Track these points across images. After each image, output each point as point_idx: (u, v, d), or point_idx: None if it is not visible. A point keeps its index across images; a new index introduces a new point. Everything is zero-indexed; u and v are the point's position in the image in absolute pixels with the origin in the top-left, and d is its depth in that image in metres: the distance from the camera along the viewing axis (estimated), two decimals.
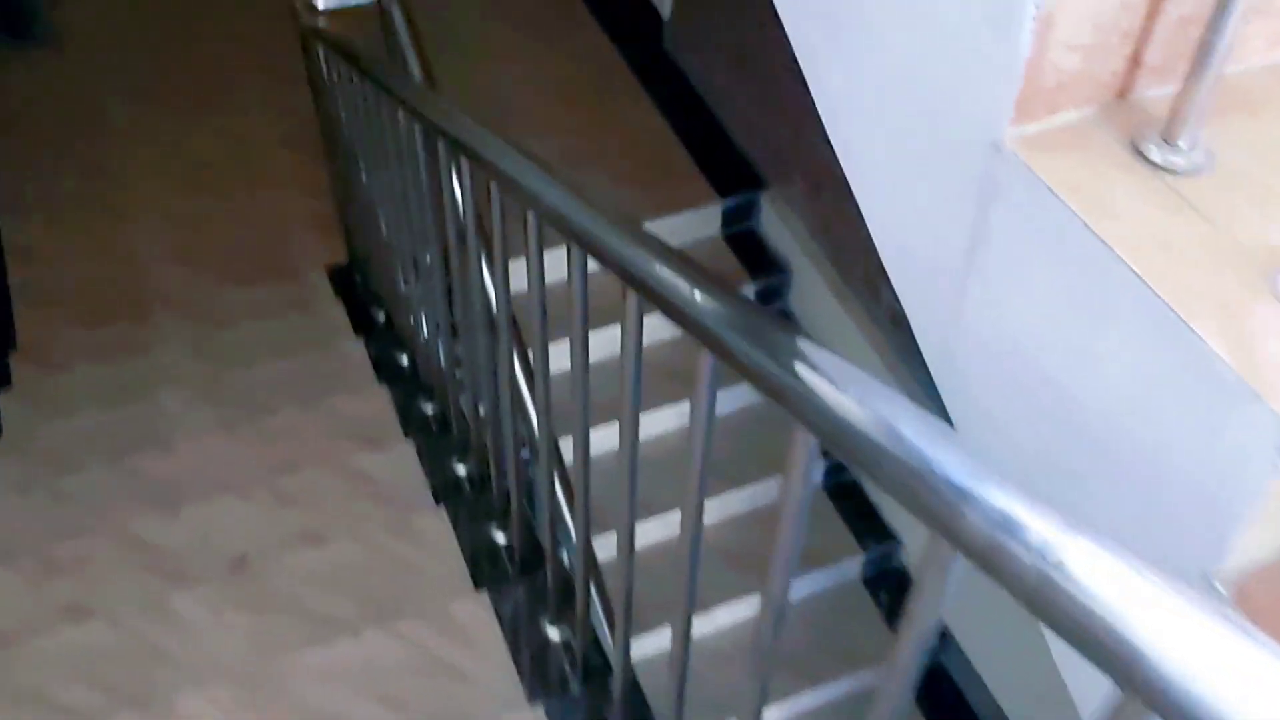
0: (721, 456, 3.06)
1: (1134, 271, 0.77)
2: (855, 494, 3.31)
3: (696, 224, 3.55)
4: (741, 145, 3.62)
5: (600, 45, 4.02)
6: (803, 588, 3.14)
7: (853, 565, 3.26)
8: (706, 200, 3.54)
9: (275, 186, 3.49)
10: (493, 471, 2.23)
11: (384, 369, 2.89)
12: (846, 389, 0.78)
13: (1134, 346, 0.79)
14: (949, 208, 0.95)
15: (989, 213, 0.91)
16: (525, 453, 2.14)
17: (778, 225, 3.50)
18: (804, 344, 0.84)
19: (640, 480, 1.42)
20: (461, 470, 2.57)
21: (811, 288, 3.42)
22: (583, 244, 1.29)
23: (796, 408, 0.83)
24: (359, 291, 3.17)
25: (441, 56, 3.65)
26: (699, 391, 1.07)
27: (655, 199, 3.52)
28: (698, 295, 1.03)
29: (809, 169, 3.27)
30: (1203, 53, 0.80)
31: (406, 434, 2.71)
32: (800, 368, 0.83)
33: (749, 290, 3.49)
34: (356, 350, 2.93)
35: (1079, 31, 0.83)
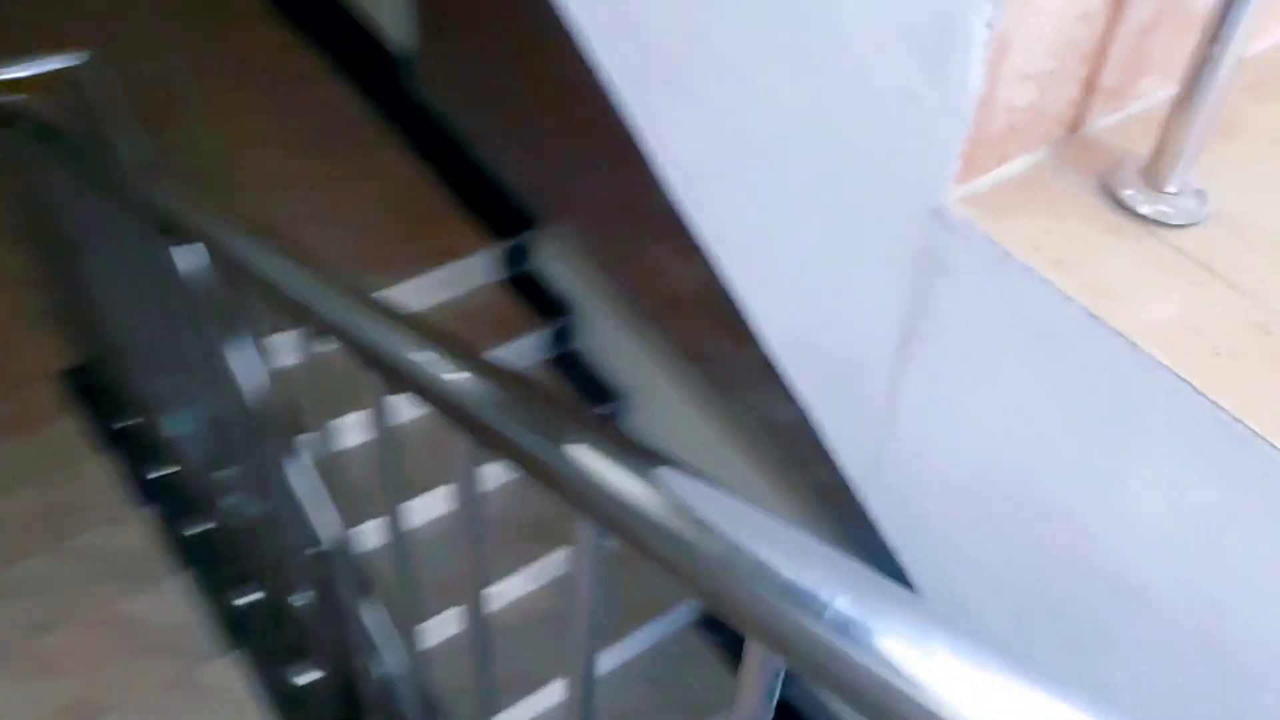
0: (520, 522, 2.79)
1: (1172, 371, 0.58)
2: None
3: (472, 271, 3.28)
4: (510, 184, 3.36)
5: (339, 94, 3.67)
6: (633, 646, 2.93)
7: (682, 612, 3.07)
8: (479, 245, 3.27)
9: None
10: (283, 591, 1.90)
11: (141, 488, 2.47)
12: (630, 470, 0.67)
13: (1181, 468, 0.59)
14: (872, 292, 0.74)
15: (931, 295, 0.70)
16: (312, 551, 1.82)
17: (560, 264, 3.27)
18: (573, 420, 0.75)
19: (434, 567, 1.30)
20: (250, 598, 2.21)
21: (604, 326, 3.20)
22: (301, 316, 1.16)
23: (571, 495, 0.72)
24: (100, 397, 2.73)
25: (162, 122, 3.25)
26: (461, 480, 0.95)
27: (422, 250, 3.22)
28: (446, 372, 0.91)
29: (589, 202, 3.05)
30: (1197, 69, 0.61)
31: (178, 566, 2.32)
32: (572, 449, 0.71)
33: (538, 336, 3.24)
34: (104, 469, 2.49)
35: (1035, 55, 0.63)
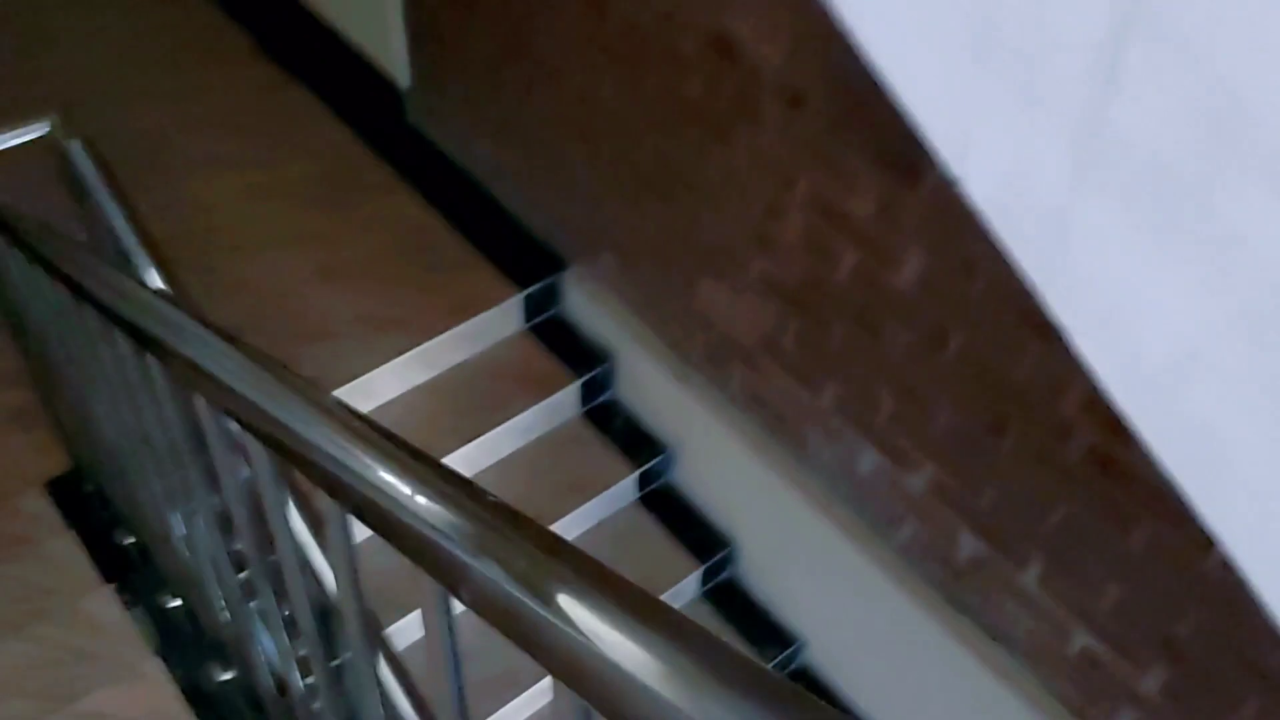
0: None
1: None
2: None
3: (495, 323, 3.01)
4: (529, 224, 3.09)
5: (337, 136, 3.41)
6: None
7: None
8: (501, 294, 3.00)
9: None
10: None
11: (158, 631, 2.15)
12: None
13: None
14: None
15: None
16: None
17: (589, 307, 3.00)
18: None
19: None
20: None
21: (644, 372, 2.93)
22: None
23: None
24: (97, 512, 2.44)
25: (150, 182, 2.98)
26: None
27: (440, 304, 2.95)
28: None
29: (612, 236, 2.78)
30: None
31: None
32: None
33: (572, 388, 2.97)
34: (112, 609, 2.17)
35: None
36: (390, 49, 3.29)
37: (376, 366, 2.84)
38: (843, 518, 2.51)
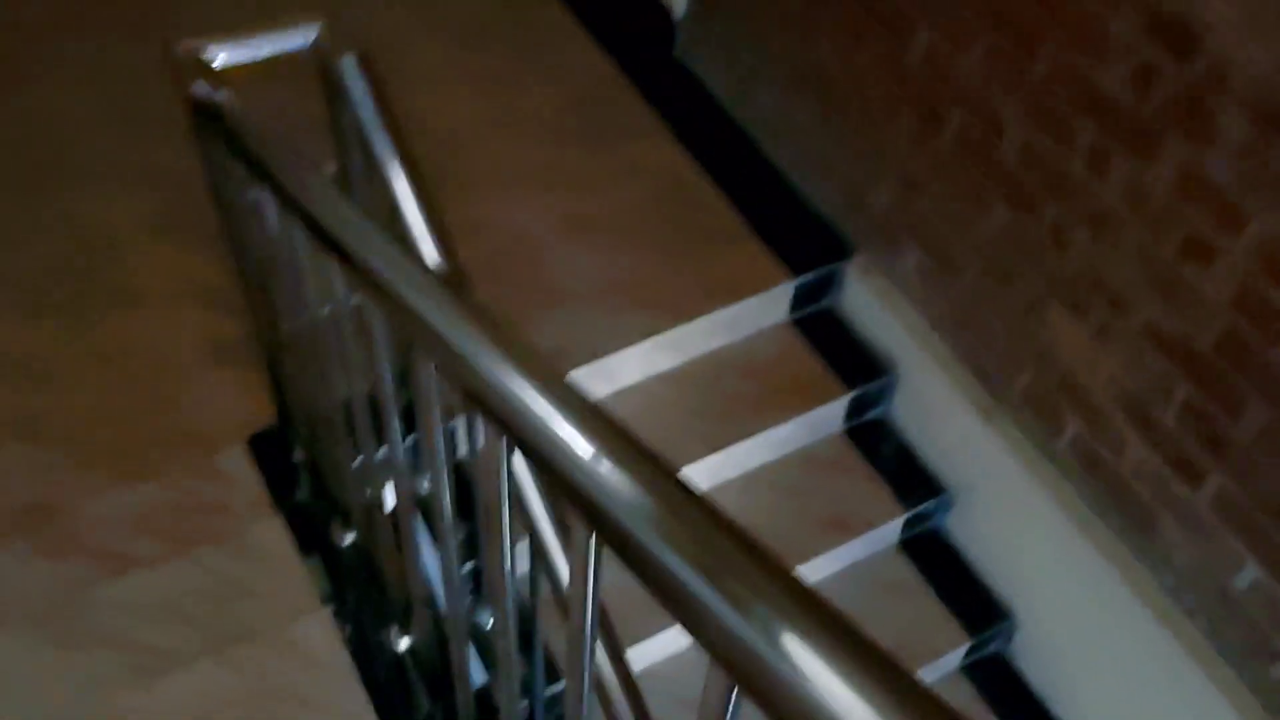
0: None
1: None
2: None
3: (759, 311, 2.56)
4: (812, 196, 2.62)
5: (594, 61, 2.96)
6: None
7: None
8: (770, 278, 2.54)
9: (153, 301, 2.37)
10: None
11: (360, 661, 1.77)
12: None
13: None
14: None
15: None
16: None
17: (873, 308, 2.53)
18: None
19: None
20: None
21: (931, 398, 2.46)
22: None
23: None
24: (310, 504, 2.07)
25: (388, 96, 2.59)
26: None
27: (696, 280, 2.51)
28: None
29: (926, 231, 2.30)
30: None
31: None
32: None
33: (840, 399, 2.51)
34: (319, 623, 1.79)
35: None
36: None
37: (619, 347, 2.42)
38: (1188, 634, 2.02)
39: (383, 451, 1.71)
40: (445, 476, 1.26)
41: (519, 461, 1.30)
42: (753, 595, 0.62)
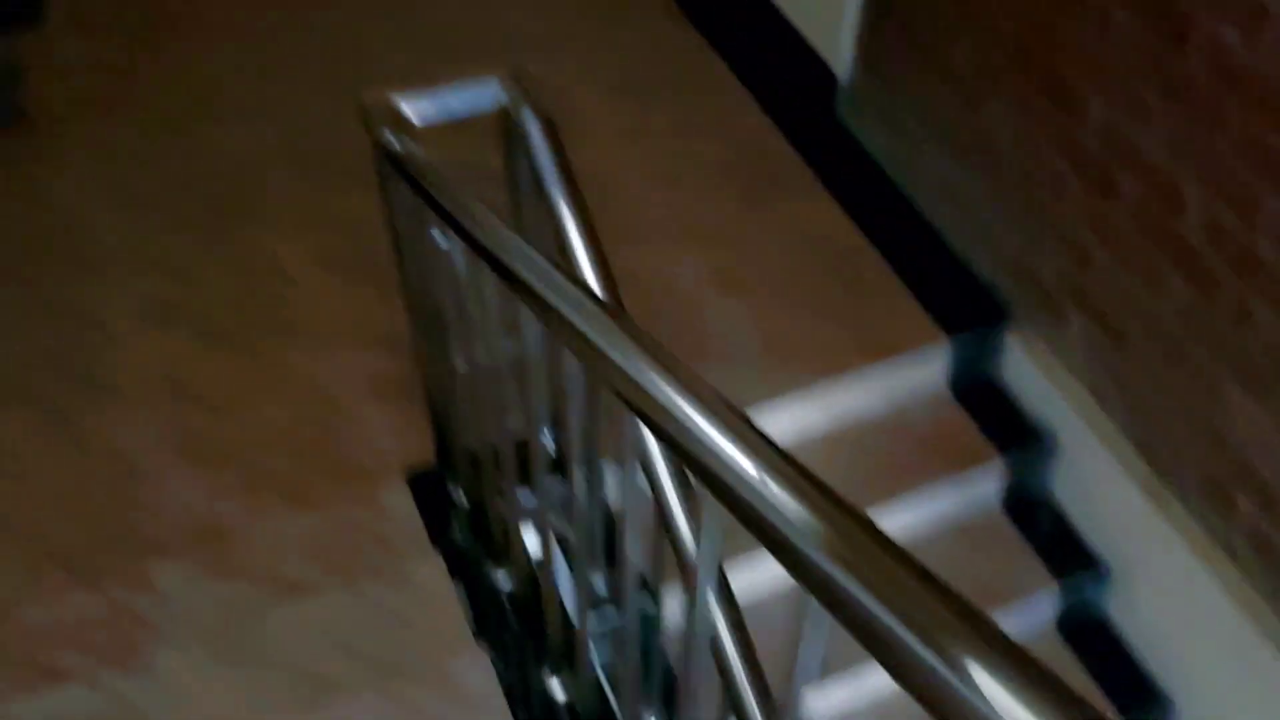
0: None
1: None
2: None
3: (912, 372, 2.52)
4: (972, 260, 2.58)
5: (755, 122, 2.99)
6: None
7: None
8: (925, 338, 2.51)
9: (321, 337, 2.46)
10: None
11: (512, 701, 1.76)
12: None
13: None
14: None
15: None
16: None
17: (1033, 376, 2.47)
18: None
19: None
20: None
21: (1092, 472, 2.38)
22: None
23: None
24: (458, 521, 2.12)
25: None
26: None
27: (845, 337, 2.49)
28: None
29: (1094, 301, 2.24)
30: None
31: None
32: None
33: (993, 468, 2.46)
34: (474, 661, 1.80)
35: None
36: (834, 30, 2.83)
37: (769, 399, 2.42)
38: None
39: (540, 493, 1.74)
40: (630, 515, 1.28)
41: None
42: (943, 632, 0.65)
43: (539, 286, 1.20)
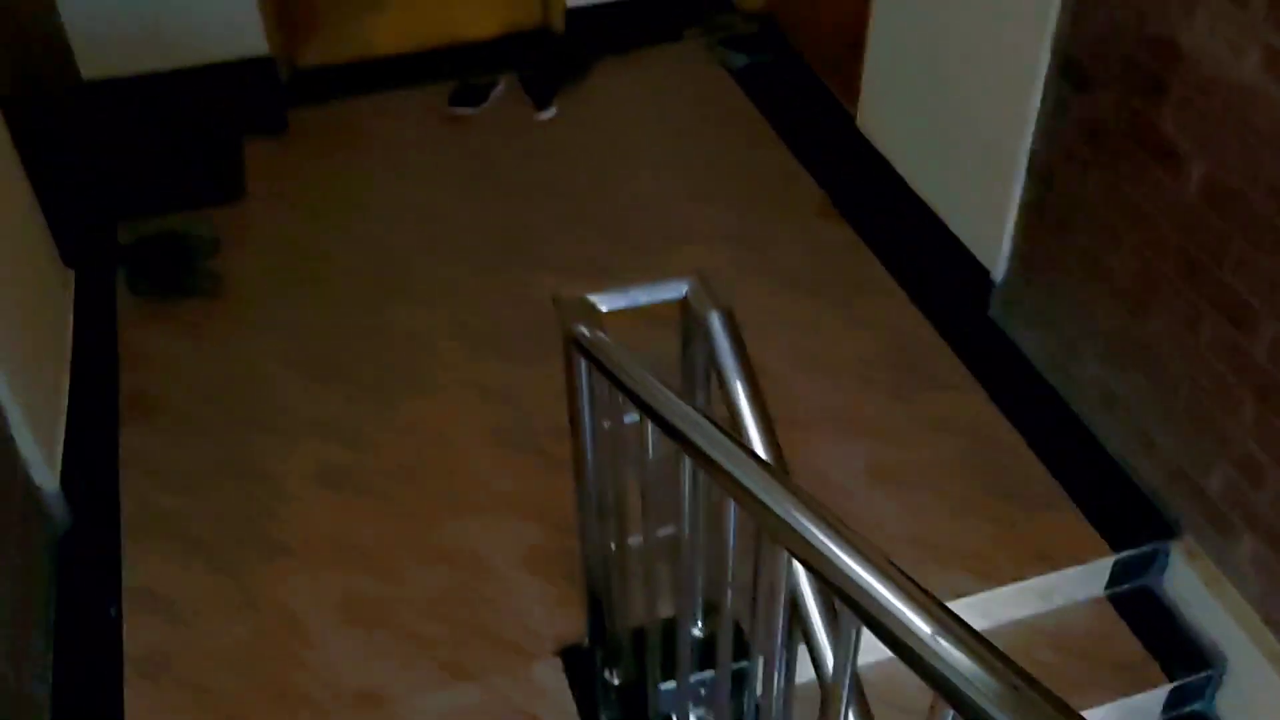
0: None
1: None
2: None
3: (1073, 585, 2.47)
4: (1135, 470, 2.54)
5: (906, 317, 3.04)
6: None
7: None
8: (1088, 549, 2.46)
9: (484, 508, 2.54)
10: None
11: None
12: None
13: None
14: None
15: None
16: None
17: (1200, 594, 2.39)
18: None
19: None
20: None
21: (1261, 698, 2.27)
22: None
23: None
24: (608, 702, 2.12)
25: None
26: None
27: (1002, 544, 2.46)
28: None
29: (1267, 520, 2.17)
30: None
31: None
32: None
33: (1160, 691, 2.36)
34: None
35: None
36: (990, 230, 2.89)
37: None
38: None
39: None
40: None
41: None
42: None
43: (717, 456, 1.35)
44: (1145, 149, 2.30)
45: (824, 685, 1.40)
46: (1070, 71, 2.49)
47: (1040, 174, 2.66)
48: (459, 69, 3.91)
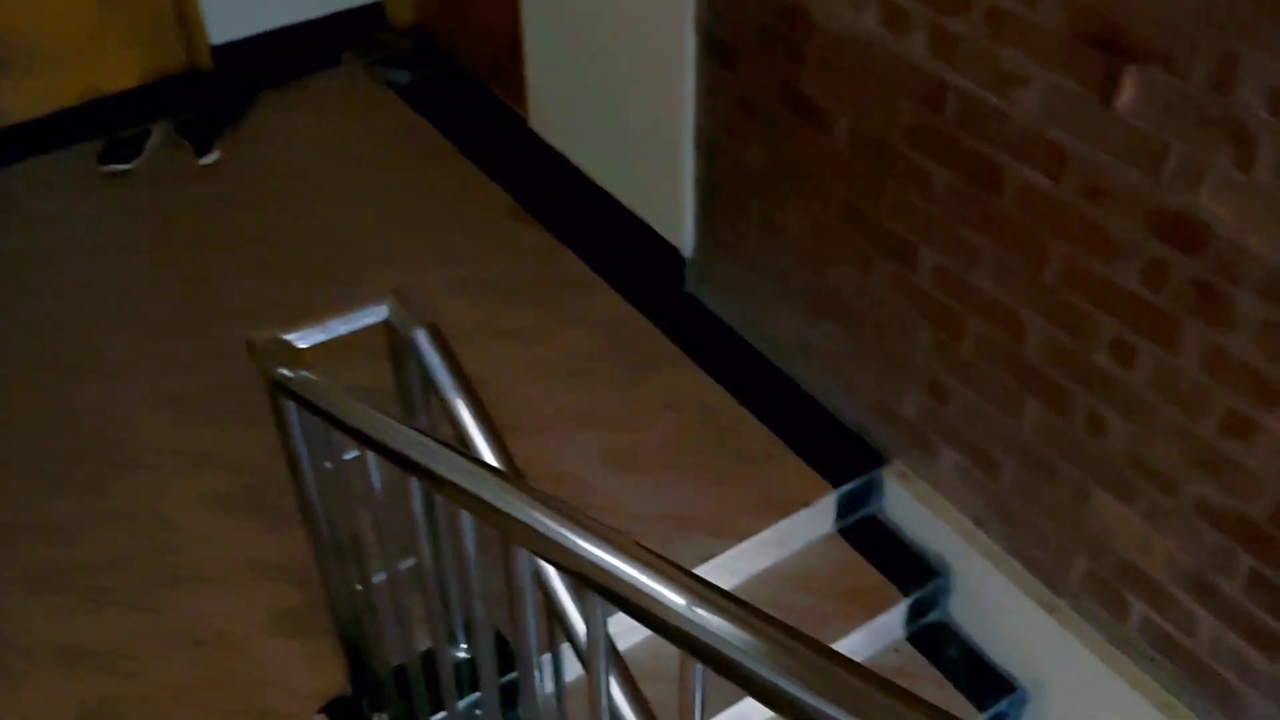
0: None
1: None
2: None
3: (805, 525, 2.61)
4: (839, 411, 2.72)
5: (613, 305, 3.12)
6: None
7: None
8: (813, 491, 2.61)
9: (216, 579, 2.41)
10: None
11: None
12: None
13: None
14: None
15: None
16: None
17: (917, 511, 2.59)
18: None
19: None
20: None
21: (988, 596, 2.49)
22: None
23: None
24: None
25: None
26: None
27: (738, 501, 2.57)
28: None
29: (960, 433, 2.38)
30: None
31: None
32: None
33: (898, 608, 2.54)
34: None
35: None
36: (670, 211, 3.01)
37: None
38: None
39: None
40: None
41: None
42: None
43: (443, 471, 1.32)
44: (795, 112, 2.45)
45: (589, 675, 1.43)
46: (715, 49, 2.62)
47: (707, 150, 2.79)
48: (106, 125, 3.67)
